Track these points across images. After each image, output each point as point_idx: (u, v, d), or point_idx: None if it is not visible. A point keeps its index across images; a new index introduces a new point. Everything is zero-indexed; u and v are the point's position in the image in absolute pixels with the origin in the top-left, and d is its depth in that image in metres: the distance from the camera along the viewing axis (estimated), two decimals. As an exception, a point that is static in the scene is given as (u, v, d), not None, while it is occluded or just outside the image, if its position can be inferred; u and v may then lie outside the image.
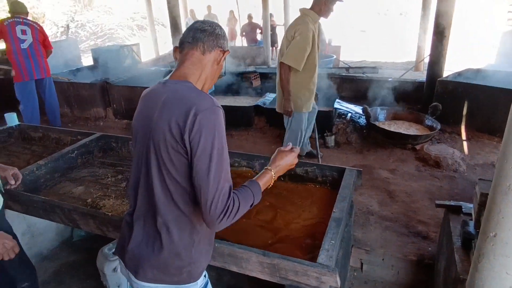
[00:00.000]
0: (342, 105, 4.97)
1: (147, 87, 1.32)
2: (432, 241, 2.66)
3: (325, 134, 4.35)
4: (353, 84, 6.05)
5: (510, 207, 1.16)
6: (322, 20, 3.26)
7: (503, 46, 7.66)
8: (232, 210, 1.06)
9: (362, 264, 2.48)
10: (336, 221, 1.63)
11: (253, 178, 1.24)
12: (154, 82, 1.29)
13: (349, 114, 4.70)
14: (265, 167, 1.30)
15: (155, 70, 6.93)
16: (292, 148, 1.38)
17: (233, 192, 1.10)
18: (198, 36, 1.21)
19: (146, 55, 11.04)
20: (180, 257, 1.17)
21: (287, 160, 1.34)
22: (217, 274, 2.14)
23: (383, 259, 2.48)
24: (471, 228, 1.74)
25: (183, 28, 4.96)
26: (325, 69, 6.46)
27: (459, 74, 5.28)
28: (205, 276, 1.30)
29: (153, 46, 11.60)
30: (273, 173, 1.28)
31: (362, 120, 4.66)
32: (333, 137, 4.38)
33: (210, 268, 1.36)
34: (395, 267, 2.43)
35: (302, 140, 3.56)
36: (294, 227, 1.82)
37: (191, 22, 11.60)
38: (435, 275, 2.26)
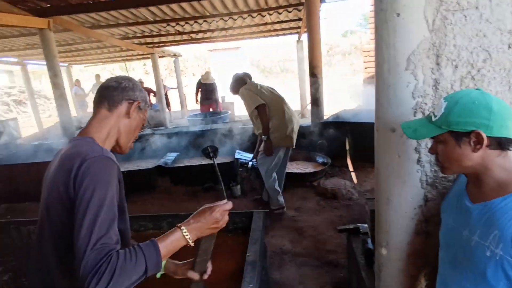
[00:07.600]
0: (242, 155, 5.17)
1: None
2: (342, 266, 2.83)
3: (230, 185, 4.43)
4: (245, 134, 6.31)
5: (393, 216, 1.34)
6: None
7: (365, 89, 9.17)
8: (105, 272, 0.85)
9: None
10: (251, 265, 1.64)
11: (156, 238, 1.00)
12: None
13: (250, 163, 4.90)
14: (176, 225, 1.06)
15: (38, 144, 6.29)
16: (224, 204, 1.11)
17: (116, 251, 0.90)
18: (103, 94, 1.20)
19: (27, 130, 10.04)
20: None
21: (208, 217, 1.07)
22: None
23: (303, 296, 2.53)
24: (369, 244, 1.93)
25: (69, 98, 4.63)
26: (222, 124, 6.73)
27: (337, 115, 6.06)
28: None
29: (34, 120, 10.67)
30: (184, 231, 1.02)
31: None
32: (238, 186, 4.48)
33: None
34: (315, 300, 2.50)
35: None
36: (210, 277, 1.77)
37: (79, 91, 11.11)
38: (351, 298, 2.39)
